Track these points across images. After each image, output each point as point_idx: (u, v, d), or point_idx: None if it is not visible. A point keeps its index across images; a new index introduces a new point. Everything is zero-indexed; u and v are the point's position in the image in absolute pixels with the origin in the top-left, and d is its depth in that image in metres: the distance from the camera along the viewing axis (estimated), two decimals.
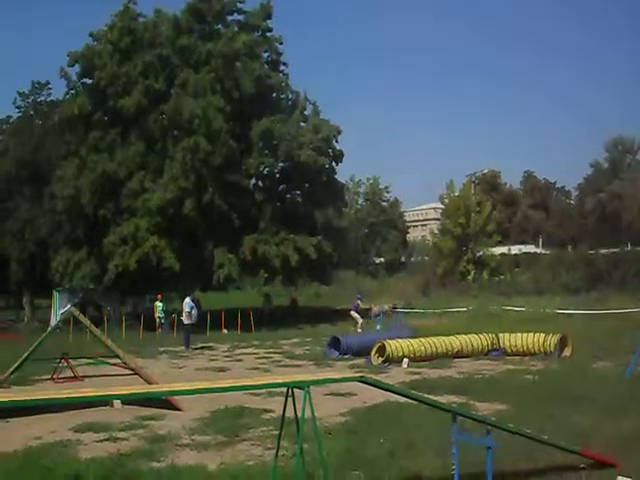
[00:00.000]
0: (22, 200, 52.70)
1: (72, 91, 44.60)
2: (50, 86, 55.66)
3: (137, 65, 41.47)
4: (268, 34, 44.11)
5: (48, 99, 56.01)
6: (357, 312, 35.73)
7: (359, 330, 33.32)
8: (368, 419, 12.21)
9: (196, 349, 27.50)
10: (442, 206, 68.87)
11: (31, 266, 53.42)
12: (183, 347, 27.47)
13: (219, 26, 43.90)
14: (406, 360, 20.55)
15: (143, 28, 42.69)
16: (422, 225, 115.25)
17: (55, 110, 48.51)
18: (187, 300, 29.18)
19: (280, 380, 8.24)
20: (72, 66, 42.71)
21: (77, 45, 43.90)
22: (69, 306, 30.49)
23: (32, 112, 56.41)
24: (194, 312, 28.70)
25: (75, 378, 17.49)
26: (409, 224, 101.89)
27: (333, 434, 10.92)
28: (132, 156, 40.53)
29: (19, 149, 52.62)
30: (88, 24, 49.07)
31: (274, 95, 44.62)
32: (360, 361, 21.58)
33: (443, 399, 11.25)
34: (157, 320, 36.45)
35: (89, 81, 43.01)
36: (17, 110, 56.56)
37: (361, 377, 7.66)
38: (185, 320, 28.43)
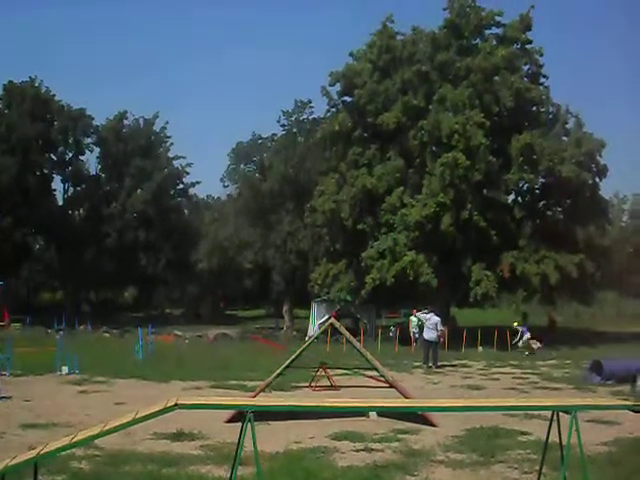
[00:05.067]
0: (285, 214, 55.42)
1: (333, 109, 46.16)
2: (312, 104, 58.17)
3: (396, 82, 42.21)
4: (528, 46, 43.10)
5: (310, 117, 58.49)
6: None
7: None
8: (635, 451, 11.22)
9: (445, 366, 26.88)
10: None
11: (292, 277, 56.01)
12: (431, 363, 26.94)
13: (477, 40, 43.58)
14: None
15: (401, 45, 43.33)
16: None
17: (317, 127, 50.43)
18: (427, 316, 27.95)
19: (547, 403, 7.86)
20: (333, 85, 44.29)
21: (337, 65, 45.13)
22: (326, 317, 31.24)
23: (295, 130, 59.03)
24: (428, 328, 27.41)
25: (332, 387, 17.77)
26: None
27: (595, 464, 10.25)
28: (391, 171, 41.06)
29: (283, 165, 55.38)
30: (347, 45, 50.74)
31: (534, 108, 43.43)
32: (625, 388, 20.16)
33: None
34: (412, 335, 36.37)
35: (349, 99, 44.24)
36: (281, 128, 59.49)
37: (634, 405, 7.11)
38: (425, 335, 27.73)
